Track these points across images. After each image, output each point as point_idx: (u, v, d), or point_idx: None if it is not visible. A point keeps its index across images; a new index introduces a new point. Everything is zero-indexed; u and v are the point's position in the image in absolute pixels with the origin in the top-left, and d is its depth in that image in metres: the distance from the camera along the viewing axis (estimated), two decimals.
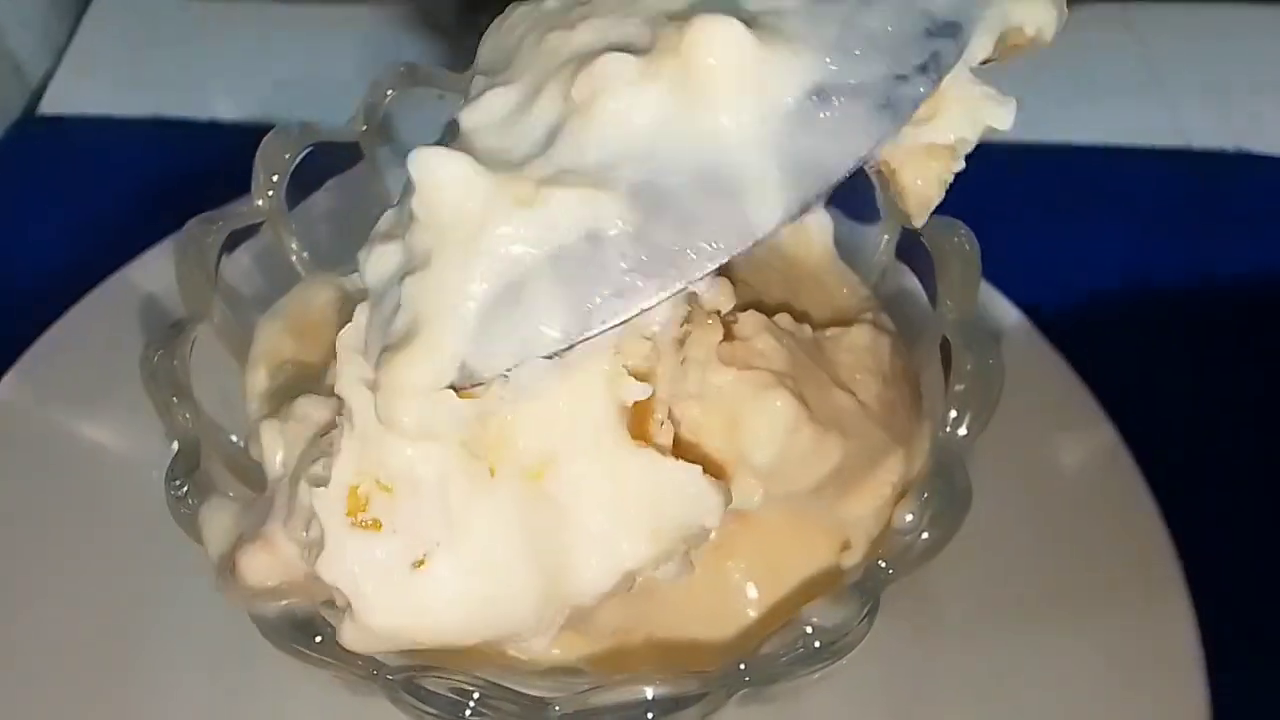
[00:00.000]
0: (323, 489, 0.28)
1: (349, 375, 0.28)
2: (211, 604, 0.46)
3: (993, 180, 0.71)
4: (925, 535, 0.33)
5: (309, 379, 0.39)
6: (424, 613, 0.28)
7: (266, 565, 0.30)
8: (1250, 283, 0.67)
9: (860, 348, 0.39)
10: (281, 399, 0.38)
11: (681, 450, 0.32)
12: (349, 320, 0.40)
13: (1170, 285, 0.67)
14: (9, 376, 0.54)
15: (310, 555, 0.28)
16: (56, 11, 0.81)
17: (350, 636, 0.29)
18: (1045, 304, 0.59)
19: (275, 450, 0.31)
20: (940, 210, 0.39)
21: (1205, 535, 0.50)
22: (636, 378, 0.29)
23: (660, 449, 0.30)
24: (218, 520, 0.32)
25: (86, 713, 0.46)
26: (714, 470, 0.32)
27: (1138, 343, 0.64)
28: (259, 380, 0.40)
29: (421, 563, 0.27)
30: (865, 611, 0.31)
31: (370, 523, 0.27)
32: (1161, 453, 0.53)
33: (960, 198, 0.70)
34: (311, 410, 0.31)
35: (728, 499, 0.30)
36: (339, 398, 0.29)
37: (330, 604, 0.31)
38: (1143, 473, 0.51)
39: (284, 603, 0.31)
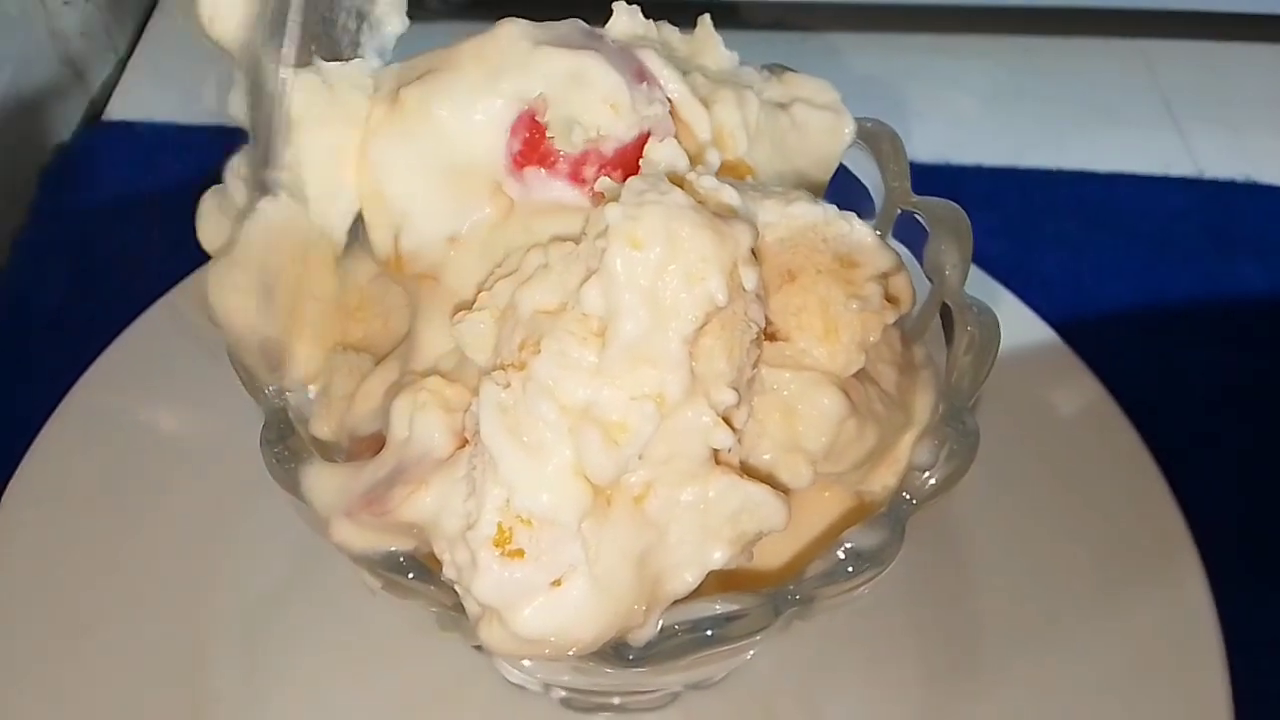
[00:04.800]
0: (473, 527, 0.33)
1: (492, 425, 0.33)
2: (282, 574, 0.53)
3: (1017, 203, 0.75)
4: (941, 472, 0.38)
5: (361, 356, 0.43)
6: (561, 623, 0.33)
7: (393, 523, 0.35)
8: (1256, 303, 0.71)
9: (880, 342, 0.42)
10: (336, 377, 0.42)
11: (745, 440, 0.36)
12: (391, 293, 0.44)
13: (1182, 303, 0.71)
14: (87, 376, 0.58)
15: (463, 576, 0.33)
16: (117, 21, 0.84)
17: (498, 640, 0.33)
18: (1065, 318, 0.63)
19: (403, 418, 0.35)
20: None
21: (1205, 495, 0.57)
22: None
23: (735, 470, 0.35)
24: (324, 480, 0.37)
25: (168, 678, 0.50)
26: (775, 454, 0.37)
27: (1152, 354, 0.68)
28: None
29: (559, 583, 0.33)
30: (893, 536, 0.36)
31: (515, 552, 0.32)
32: (1180, 452, 0.58)
33: (986, 218, 0.73)
34: (441, 388, 0.36)
35: (789, 507, 0.36)
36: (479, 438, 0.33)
37: (424, 548, 0.35)
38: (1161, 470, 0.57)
39: (391, 548, 0.36)
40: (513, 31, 0.36)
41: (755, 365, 0.35)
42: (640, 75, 0.37)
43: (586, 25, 0.38)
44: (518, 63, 0.36)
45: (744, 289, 0.33)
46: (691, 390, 0.33)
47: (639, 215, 0.32)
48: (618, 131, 0.36)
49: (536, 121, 0.36)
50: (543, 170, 0.36)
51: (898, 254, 0.40)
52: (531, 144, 0.36)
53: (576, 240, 0.34)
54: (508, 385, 0.33)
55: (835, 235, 0.38)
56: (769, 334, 0.37)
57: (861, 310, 0.38)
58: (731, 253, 0.33)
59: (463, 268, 0.37)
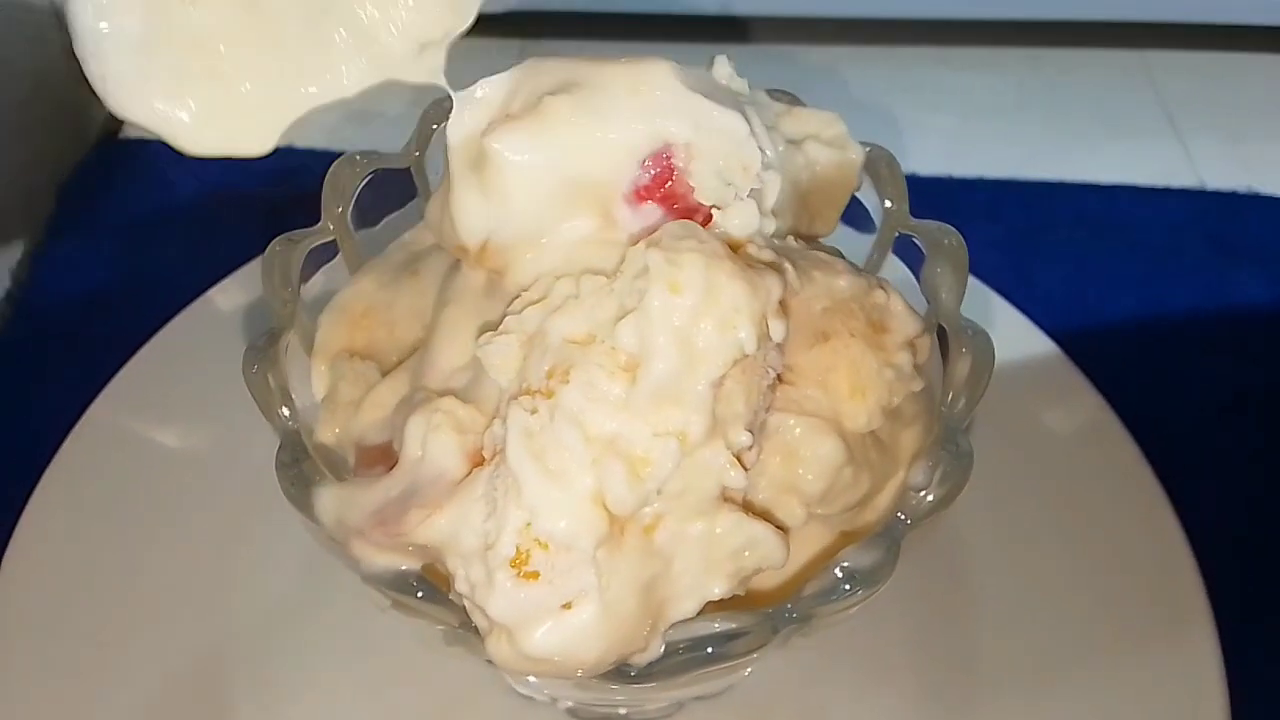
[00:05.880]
0: (492, 547, 0.34)
1: (518, 450, 0.34)
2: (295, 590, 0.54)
3: (1018, 215, 0.76)
4: (935, 492, 0.39)
5: (367, 364, 0.45)
6: (569, 645, 0.34)
7: (402, 543, 0.36)
8: (1258, 314, 0.71)
9: None
10: (342, 384, 0.44)
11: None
12: (398, 303, 0.45)
13: (1182, 313, 0.72)
14: (107, 391, 0.59)
15: (476, 593, 0.34)
16: None
17: (506, 656, 0.34)
18: (1066, 330, 0.63)
19: (417, 438, 0.37)
20: (972, 238, 0.44)
21: (1206, 508, 0.57)
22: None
23: (740, 508, 0.37)
24: (336, 501, 0.38)
25: (181, 692, 0.52)
26: (771, 494, 0.38)
27: (1154, 365, 0.68)
28: (320, 372, 0.46)
29: (569, 605, 0.34)
30: (888, 555, 0.37)
31: (531, 574, 0.34)
32: (1181, 464, 0.58)
33: (987, 230, 0.74)
34: (455, 409, 0.37)
35: (789, 547, 0.37)
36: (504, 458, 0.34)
37: (430, 565, 0.37)
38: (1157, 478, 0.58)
39: (402, 567, 0.37)
40: (667, 70, 0.37)
41: (768, 409, 0.37)
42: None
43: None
44: (670, 104, 0.37)
45: (769, 339, 0.35)
46: (711, 431, 0.34)
47: (679, 261, 0.34)
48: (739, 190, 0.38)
49: (671, 162, 0.37)
50: (660, 209, 0.38)
51: (924, 319, 0.42)
52: (660, 181, 0.37)
53: (608, 274, 0.36)
54: (534, 411, 0.34)
55: (871, 304, 0.40)
56: (774, 385, 0.38)
57: (894, 379, 0.39)
58: (763, 304, 0.34)
59: (539, 272, 0.38)
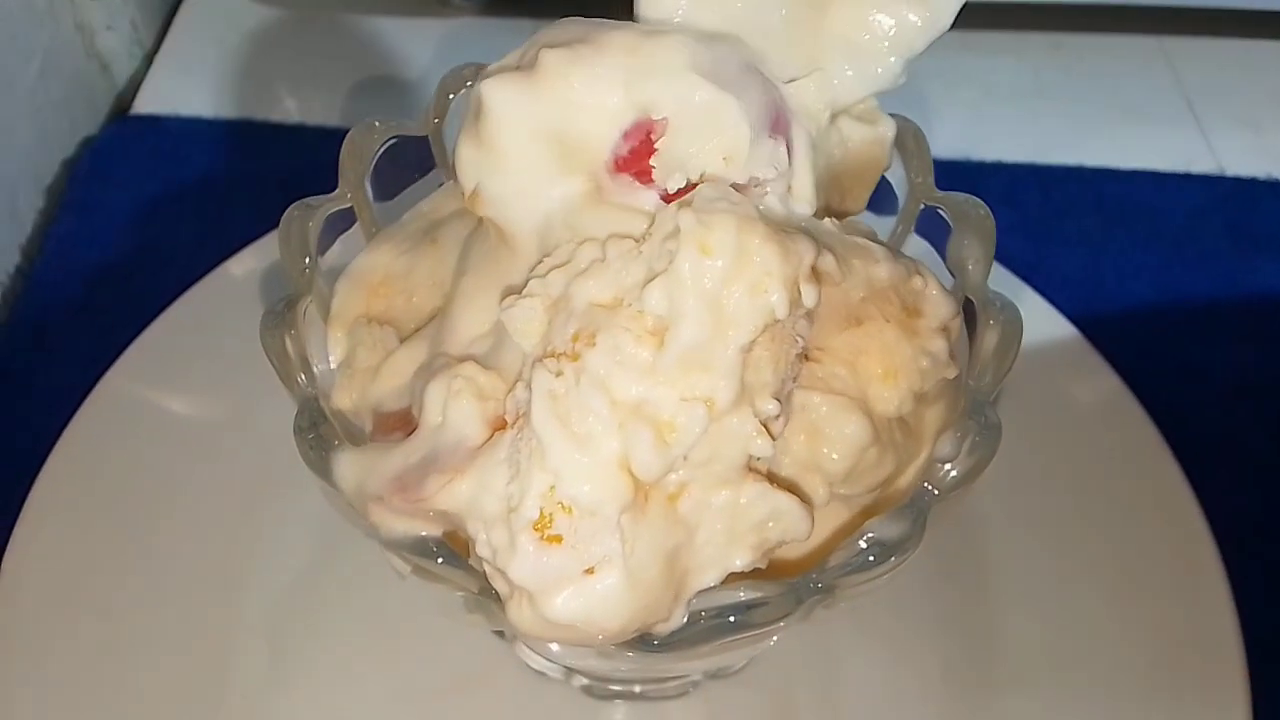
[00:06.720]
0: (515, 510, 0.33)
1: (543, 412, 0.33)
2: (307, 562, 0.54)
3: (1037, 200, 0.75)
4: (963, 464, 0.39)
5: (385, 330, 0.44)
6: (591, 611, 0.33)
7: (423, 508, 0.36)
8: (1276, 301, 0.71)
9: None
10: (359, 350, 0.43)
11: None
12: (417, 270, 0.44)
13: (1201, 299, 0.71)
14: (116, 367, 0.59)
15: (498, 558, 0.34)
16: (143, 15, 0.85)
17: (527, 622, 0.34)
18: (1085, 315, 0.63)
19: (437, 404, 0.36)
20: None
21: (1224, 492, 0.57)
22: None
23: (765, 479, 0.36)
24: (355, 466, 0.37)
25: (192, 664, 0.51)
26: (794, 471, 0.38)
27: (1172, 351, 0.68)
28: (337, 338, 0.45)
29: (591, 571, 0.33)
30: (915, 526, 0.36)
31: (554, 537, 0.33)
32: (1199, 449, 0.58)
33: (1007, 215, 0.73)
34: (475, 375, 0.36)
35: (813, 520, 0.37)
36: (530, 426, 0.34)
37: (451, 532, 0.36)
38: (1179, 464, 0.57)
39: (422, 533, 0.36)
40: (673, 44, 0.35)
41: (795, 379, 0.36)
42: (777, 124, 0.37)
43: (749, 53, 0.38)
44: (663, 77, 0.35)
45: (801, 304, 0.34)
46: (739, 398, 0.33)
47: (711, 223, 0.33)
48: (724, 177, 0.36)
49: (650, 136, 0.36)
50: (636, 182, 0.36)
51: (957, 303, 0.41)
52: (637, 154, 0.36)
53: (636, 238, 0.35)
54: (560, 374, 0.33)
55: (908, 289, 0.39)
56: (802, 354, 0.37)
57: (929, 366, 0.39)
58: (795, 268, 0.33)
59: (533, 231, 0.37)
